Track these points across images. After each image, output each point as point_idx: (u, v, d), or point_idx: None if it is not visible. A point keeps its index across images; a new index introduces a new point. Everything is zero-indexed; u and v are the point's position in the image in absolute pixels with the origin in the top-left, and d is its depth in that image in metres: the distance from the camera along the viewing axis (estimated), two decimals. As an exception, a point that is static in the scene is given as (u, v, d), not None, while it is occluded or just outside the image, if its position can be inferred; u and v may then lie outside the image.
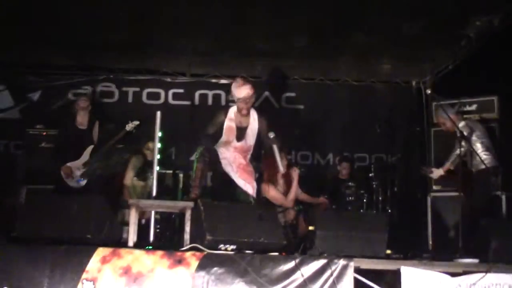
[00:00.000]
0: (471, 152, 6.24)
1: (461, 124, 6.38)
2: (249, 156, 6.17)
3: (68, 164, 7.00)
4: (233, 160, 5.99)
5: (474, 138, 6.35)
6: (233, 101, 6.17)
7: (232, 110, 6.08)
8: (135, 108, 8.83)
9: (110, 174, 7.34)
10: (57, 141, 7.53)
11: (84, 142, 7.21)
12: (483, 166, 6.27)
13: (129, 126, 6.96)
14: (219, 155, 5.97)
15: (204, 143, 6.03)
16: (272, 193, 6.54)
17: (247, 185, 6.01)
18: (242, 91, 5.96)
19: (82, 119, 7.31)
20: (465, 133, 6.09)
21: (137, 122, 6.94)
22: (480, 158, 6.22)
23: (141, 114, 7.30)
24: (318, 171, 8.77)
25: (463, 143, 6.01)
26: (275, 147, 5.82)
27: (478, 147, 6.36)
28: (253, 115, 6.12)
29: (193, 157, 6.58)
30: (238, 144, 6.05)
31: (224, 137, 6.03)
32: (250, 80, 6.50)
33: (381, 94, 8.62)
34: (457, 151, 6.28)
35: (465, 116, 6.88)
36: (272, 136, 5.86)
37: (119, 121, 7.43)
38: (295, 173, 6.69)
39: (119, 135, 7.03)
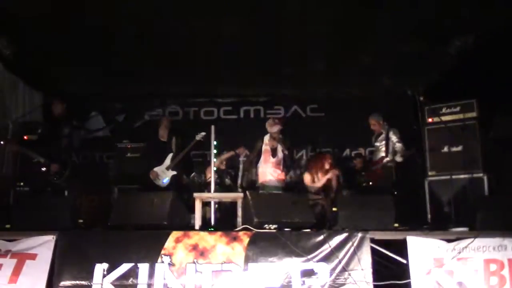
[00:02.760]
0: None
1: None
2: (281, 166, 7.12)
3: (154, 169, 7.04)
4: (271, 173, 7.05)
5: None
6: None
7: (266, 138, 7.16)
8: (195, 124, 8.87)
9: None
10: (145, 150, 7.60)
11: (165, 151, 7.24)
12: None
13: (199, 136, 6.92)
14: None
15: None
16: (307, 180, 7.00)
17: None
18: (273, 128, 7.11)
19: (163, 133, 7.36)
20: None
21: (204, 133, 6.88)
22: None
23: (200, 128, 7.32)
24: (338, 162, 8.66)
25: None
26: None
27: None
28: None
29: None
30: (273, 160, 7.07)
31: (262, 157, 7.12)
32: (278, 121, 7.31)
33: (384, 102, 8.49)
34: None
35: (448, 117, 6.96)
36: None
37: (184, 134, 7.52)
38: (333, 173, 6.99)
39: (192, 144, 6.98)
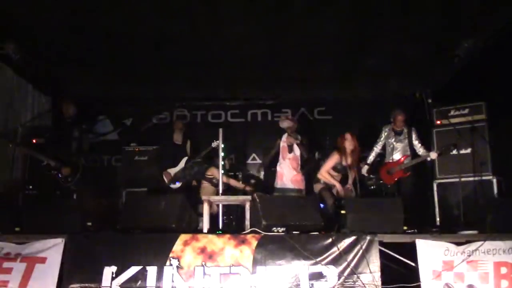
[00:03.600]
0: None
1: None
2: (299, 165, 7.18)
3: (168, 170, 7.08)
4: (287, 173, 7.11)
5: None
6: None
7: (284, 136, 7.23)
8: (203, 127, 8.90)
9: (193, 179, 7.37)
10: (158, 152, 7.66)
11: (180, 154, 7.28)
12: None
13: (215, 144, 6.84)
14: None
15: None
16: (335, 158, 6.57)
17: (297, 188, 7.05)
18: (284, 123, 7.28)
19: (177, 136, 7.40)
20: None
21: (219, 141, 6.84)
22: None
23: (207, 131, 7.34)
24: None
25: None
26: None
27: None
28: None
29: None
30: (291, 155, 7.14)
31: (281, 154, 7.21)
32: (288, 117, 7.69)
33: (392, 104, 8.46)
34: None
35: (457, 119, 6.94)
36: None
37: (190, 137, 7.54)
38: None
39: (207, 150, 6.92)
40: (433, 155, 6.54)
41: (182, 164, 7.12)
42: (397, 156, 6.82)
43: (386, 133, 6.95)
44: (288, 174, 7.08)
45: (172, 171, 7.07)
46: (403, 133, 6.86)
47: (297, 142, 7.13)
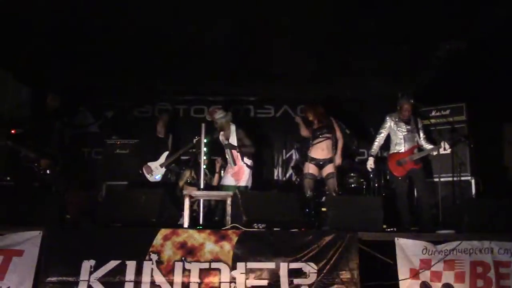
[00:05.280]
0: None
1: None
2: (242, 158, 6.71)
3: (149, 163, 7.02)
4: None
5: None
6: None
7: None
8: (185, 121, 8.86)
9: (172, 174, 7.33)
10: (140, 144, 7.59)
11: (161, 147, 7.21)
12: None
13: (196, 140, 6.84)
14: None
15: None
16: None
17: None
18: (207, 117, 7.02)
19: (160, 129, 7.34)
20: None
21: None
22: None
23: (190, 125, 7.29)
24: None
25: None
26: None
27: None
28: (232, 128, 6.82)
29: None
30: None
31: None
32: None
33: (374, 104, 8.54)
34: None
35: (438, 120, 7.01)
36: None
37: (171, 130, 7.50)
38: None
39: (189, 146, 6.89)
40: (447, 147, 6.37)
41: (162, 158, 7.07)
42: (406, 146, 6.38)
43: (391, 122, 6.49)
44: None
45: (152, 164, 7.02)
46: (411, 123, 6.45)
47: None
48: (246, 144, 6.74)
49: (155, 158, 7.06)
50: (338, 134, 6.63)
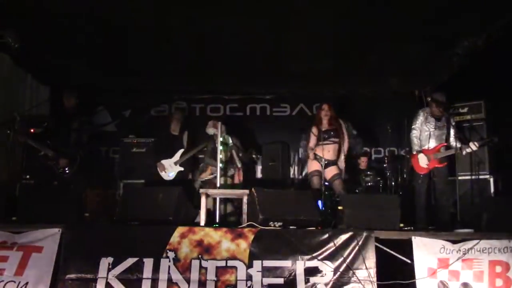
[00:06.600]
0: None
1: None
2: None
3: (162, 161, 7.07)
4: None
5: None
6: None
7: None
8: (201, 120, 8.88)
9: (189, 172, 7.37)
10: (155, 142, 7.64)
11: (176, 145, 7.26)
12: None
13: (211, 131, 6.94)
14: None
15: None
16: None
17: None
18: (210, 130, 7.04)
19: (175, 127, 7.38)
20: None
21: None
22: None
23: (206, 124, 7.31)
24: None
25: None
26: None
27: None
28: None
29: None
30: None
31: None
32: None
33: (391, 101, 8.49)
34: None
35: (456, 118, 6.76)
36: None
37: (188, 129, 7.54)
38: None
39: (202, 146, 6.99)
40: (473, 146, 5.99)
41: (177, 156, 7.11)
42: (432, 143, 6.18)
43: (422, 118, 6.27)
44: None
45: (166, 162, 7.06)
46: (442, 120, 6.23)
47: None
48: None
49: (170, 156, 7.09)
50: (345, 139, 6.59)
